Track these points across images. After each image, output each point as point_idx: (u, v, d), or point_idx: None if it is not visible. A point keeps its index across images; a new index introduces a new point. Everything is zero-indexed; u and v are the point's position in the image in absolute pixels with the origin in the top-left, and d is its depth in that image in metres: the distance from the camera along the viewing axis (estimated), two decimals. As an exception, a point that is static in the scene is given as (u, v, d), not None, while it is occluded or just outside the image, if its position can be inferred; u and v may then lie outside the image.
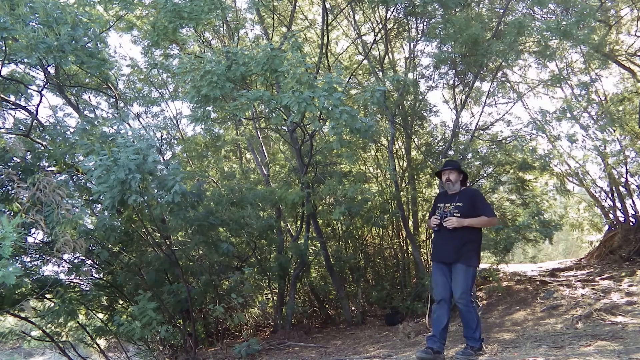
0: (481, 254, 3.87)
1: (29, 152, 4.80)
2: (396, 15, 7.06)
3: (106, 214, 4.73)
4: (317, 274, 7.62)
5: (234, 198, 5.93)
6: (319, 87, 4.15)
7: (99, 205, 5.30)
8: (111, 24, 6.42)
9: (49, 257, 5.01)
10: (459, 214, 3.57)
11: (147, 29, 6.49)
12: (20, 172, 4.57)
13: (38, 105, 5.35)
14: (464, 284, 3.47)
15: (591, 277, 6.48)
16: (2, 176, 4.45)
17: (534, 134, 7.03)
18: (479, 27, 5.56)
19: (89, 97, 7.22)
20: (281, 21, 7.73)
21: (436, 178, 7.29)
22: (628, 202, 7.85)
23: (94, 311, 5.79)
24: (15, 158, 4.60)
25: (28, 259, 5.09)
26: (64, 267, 5.19)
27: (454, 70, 6.75)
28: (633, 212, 7.77)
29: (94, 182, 4.20)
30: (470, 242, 3.56)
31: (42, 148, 5.01)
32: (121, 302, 5.82)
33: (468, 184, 4.12)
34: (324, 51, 7.01)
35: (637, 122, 7.26)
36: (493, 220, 3.70)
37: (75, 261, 5.12)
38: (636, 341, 3.37)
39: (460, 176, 3.78)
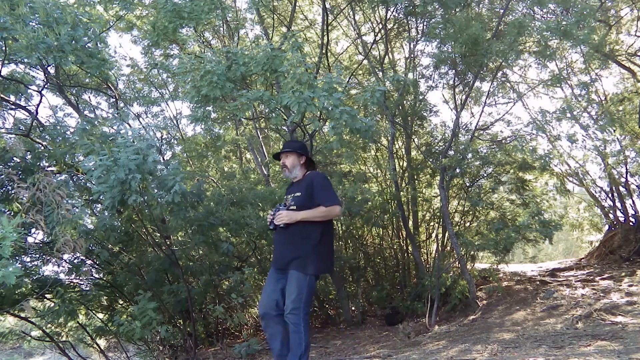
0: (330, 257, 3.06)
1: (29, 152, 4.76)
2: (396, 15, 7.05)
3: (106, 214, 4.70)
4: (317, 274, 7.59)
5: (234, 198, 5.92)
6: (319, 87, 4.12)
7: (99, 205, 5.28)
8: (111, 24, 6.39)
9: (49, 257, 4.97)
10: (294, 206, 2.94)
11: (147, 29, 6.49)
12: (20, 172, 4.54)
13: (38, 105, 5.34)
14: (294, 296, 2.78)
15: (591, 277, 6.46)
16: (2, 176, 4.44)
17: (534, 134, 7.02)
18: (479, 27, 5.53)
19: (89, 97, 7.22)
20: (281, 21, 7.72)
21: (436, 177, 7.36)
22: (628, 202, 7.84)
23: (94, 311, 5.76)
24: (15, 158, 4.56)
25: (28, 259, 5.05)
26: (64, 267, 5.16)
27: (454, 70, 6.74)
28: (633, 212, 7.76)
29: (94, 182, 4.16)
30: (308, 242, 2.87)
31: (42, 148, 4.98)
32: (121, 302, 5.79)
33: (318, 169, 3.36)
34: (324, 51, 7.00)
35: (637, 122, 7.25)
36: (333, 210, 2.90)
37: (75, 261, 5.08)
38: (636, 341, 3.35)
39: (301, 159, 3.11)
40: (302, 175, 3.12)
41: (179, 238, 5.83)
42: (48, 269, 5.23)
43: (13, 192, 4.50)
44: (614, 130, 6.77)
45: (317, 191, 2.92)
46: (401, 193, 7.08)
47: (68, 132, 5.05)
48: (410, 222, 7.39)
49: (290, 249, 2.90)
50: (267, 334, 2.96)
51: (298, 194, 2.99)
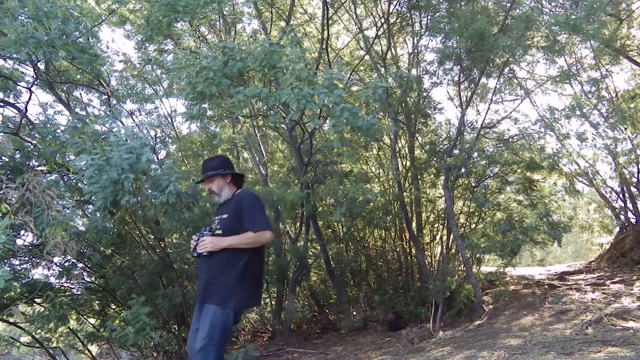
0: (256, 289, 2.71)
1: (17, 151, 4.72)
2: (399, 8, 7.11)
3: (98, 215, 4.67)
4: (317, 278, 7.60)
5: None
6: (319, 83, 4.11)
7: (91, 206, 5.24)
8: (103, 18, 6.36)
9: (38, 260, 4.93)
10: (220, 231, 2.64)
11: (140, 23, 6.43)
12: (9, 172, 4.48)
13: (27, 102, 5.25)
14: (205, 333, 2.45)
15: (601, 281, 6.38)
16: (-10, 176, 4.37)
17: (542, 132, 6.95)
18: (485, 21, 5.51)
19: (80, 93, 7.20)
20: (280, 15, 7.70)
21: (440, 177, 7.29)
22: (640, 202, 7.77)
23: (85, 316, 5.71)
24: (3, 157, 4.52)
25: (17, 262, 5.01)
26: (54, 270, 5.13)
27: (459, 66, 6.70)
28: (644, 213, 7.67)
29: (85, 182, 4.12)
30: (232, 272, 2.55)
31: (32, 147, 4.94)
32: (114, 306, 5.73)
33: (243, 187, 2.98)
34: (324, 46, 6.96)
35: (649, 119, 7.16)
36: (262, 236, 2.59)
37: (66, 264, 5.05)
38: (649, 348, 3.26)
39: (227, 179, 2.80)
40: (231, 194, 2.82)
41: (174, 240, 5.77)
42: (38, 273, 5.20)
43: (1, 192, 4.43)
44: (625, 128, 6.71)
45: (245, 214, 2.62)
46: (404, 193, 7.04)
47: (58, 130, 5.00)
48: (414, 224, 7.39)
49: (211, 280, 2.57)
50: None
51: (225, 216, 2.69)
